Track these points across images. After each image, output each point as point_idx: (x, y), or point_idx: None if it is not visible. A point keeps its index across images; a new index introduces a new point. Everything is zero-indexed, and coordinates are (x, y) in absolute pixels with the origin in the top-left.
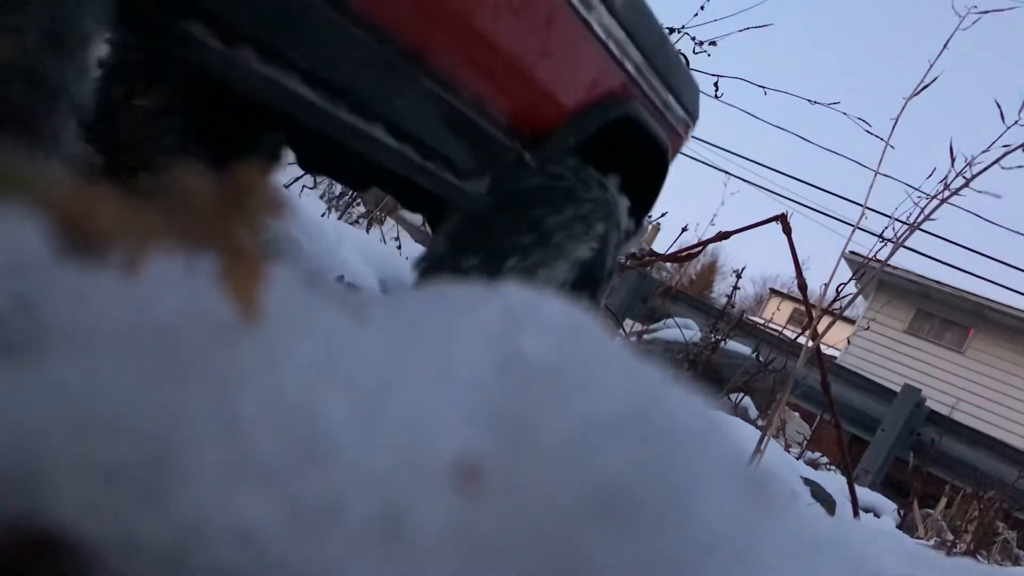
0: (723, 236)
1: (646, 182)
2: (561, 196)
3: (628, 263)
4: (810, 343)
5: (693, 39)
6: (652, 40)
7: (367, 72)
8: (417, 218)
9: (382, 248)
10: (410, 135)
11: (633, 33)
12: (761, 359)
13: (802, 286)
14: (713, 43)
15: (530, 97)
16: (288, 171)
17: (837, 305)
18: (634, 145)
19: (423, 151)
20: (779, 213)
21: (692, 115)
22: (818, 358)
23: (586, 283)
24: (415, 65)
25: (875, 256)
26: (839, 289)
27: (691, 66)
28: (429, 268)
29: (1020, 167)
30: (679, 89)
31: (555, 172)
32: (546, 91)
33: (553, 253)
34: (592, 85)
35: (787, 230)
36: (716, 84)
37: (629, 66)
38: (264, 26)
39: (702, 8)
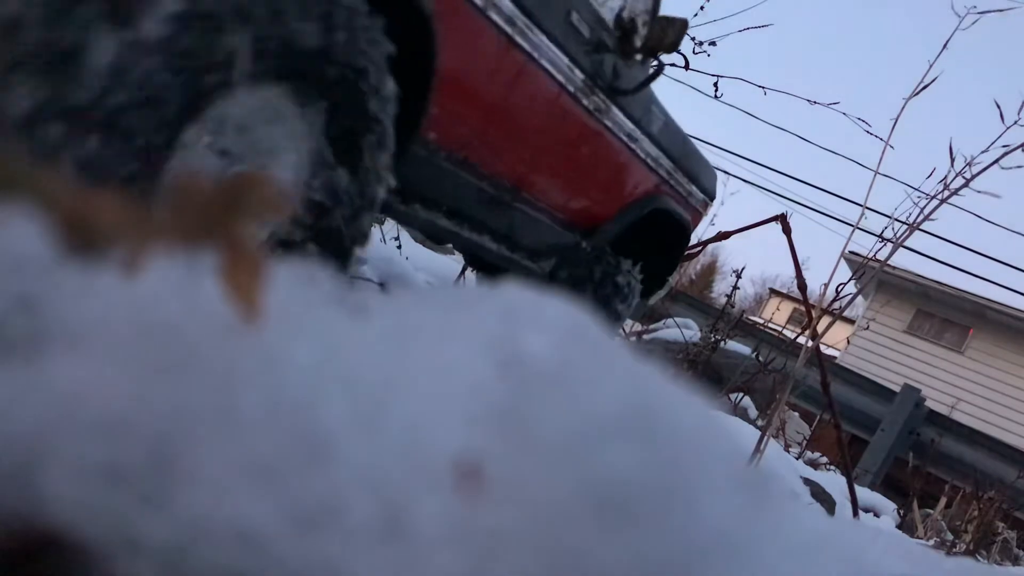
0: (723, 236)
1: (672, 250)
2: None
3: None
4: (810, 343)
5: (693, 39)
6: (680, 149)
7: (482, 205)
8: None
9: (382, 248)
10: (505, 238)
11: (666, 149)
12: (761, 359)
13: (801, 286)
14: (713, 43)
15: (588, 203)
16: None
17: (837, 305)
18: (663, 224)
19: (512, 247)
20: (779, 213)
21: (710, 196)
22: (819, 359)
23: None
24: (512, 195)
25: (875, 256)
26: (839, 289)
27: (691, 66)
28: None
29: (1020, 167)
30: (700, 179)
31: (598, 263)
32: (600, 198)
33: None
34: (633, 189)
35: (787, 230)
36: (716, 84)
37: (661, 172)
38: (426, 189)
39: (702, 8)
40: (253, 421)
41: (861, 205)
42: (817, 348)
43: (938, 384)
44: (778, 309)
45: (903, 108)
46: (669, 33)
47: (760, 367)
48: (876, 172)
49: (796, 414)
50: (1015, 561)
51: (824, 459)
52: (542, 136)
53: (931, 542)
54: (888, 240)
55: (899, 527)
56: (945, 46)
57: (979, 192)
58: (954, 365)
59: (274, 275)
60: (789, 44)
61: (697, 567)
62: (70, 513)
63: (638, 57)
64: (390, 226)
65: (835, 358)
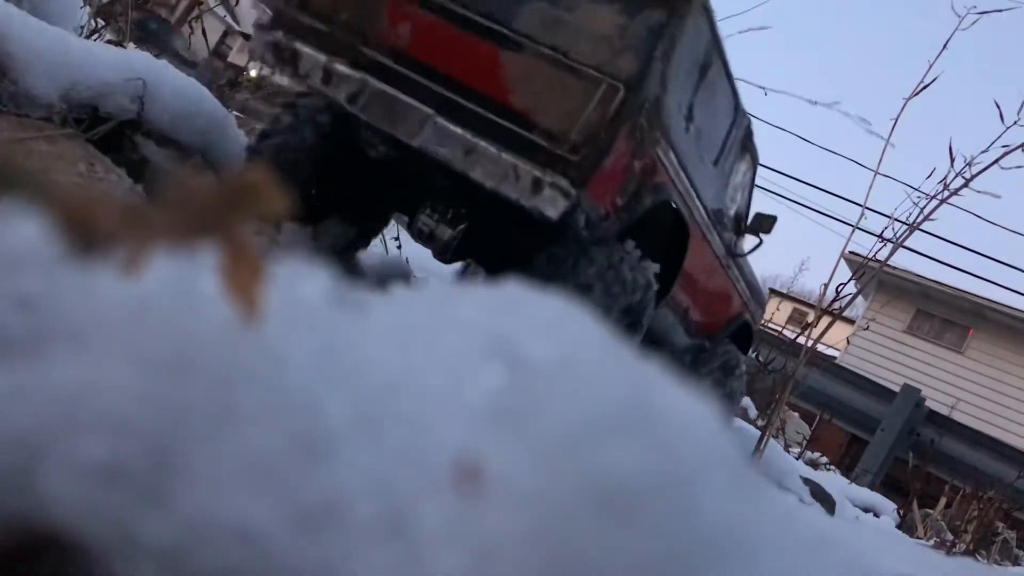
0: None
1: (745, 345)
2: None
3: None
4: (810, 342)
5: None
6: (754, 282)
7: (671, 324)
8: None
9: (382, 248)
10: (671, 343)
11: (749, 283)
12: (761, 359)
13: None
14: None
15: (713, 321)
16: None
17: (837, 305)
18: (742, 330)
19: (672, 348)
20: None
21: (764, 306)
22: (804, 371)
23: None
24: (683, 319)
25: (875, 256)
26: (839, 289)
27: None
28: None
29: (1020, 167)
30: (760, 297)
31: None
32: (720, 317)
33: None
34: (734, 310)
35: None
36: None
37: (746, 298)
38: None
39: None
40: (253, 420)
41: (861, 205)
42: (799, 368)
43: (938, 384)
44: (778, 309)
45: (903, 108)
46: (765, 222)
47: (760, 367)
48: (876, 172)
49: (796, 414)
50: (1015, 561)
51: (824, 459)
52: (704, 285)
53: (931, 542)
54: (888, 240)
55: (899, 527)
56: (945, 46)
57: (979, 192)
58: (954, 365)
59: (274, 274)
60: (789, 44)
61: (697, 566)
62: (70, 513)
63: (745, 235)
64: (391, 226)
65: (835, 358)
